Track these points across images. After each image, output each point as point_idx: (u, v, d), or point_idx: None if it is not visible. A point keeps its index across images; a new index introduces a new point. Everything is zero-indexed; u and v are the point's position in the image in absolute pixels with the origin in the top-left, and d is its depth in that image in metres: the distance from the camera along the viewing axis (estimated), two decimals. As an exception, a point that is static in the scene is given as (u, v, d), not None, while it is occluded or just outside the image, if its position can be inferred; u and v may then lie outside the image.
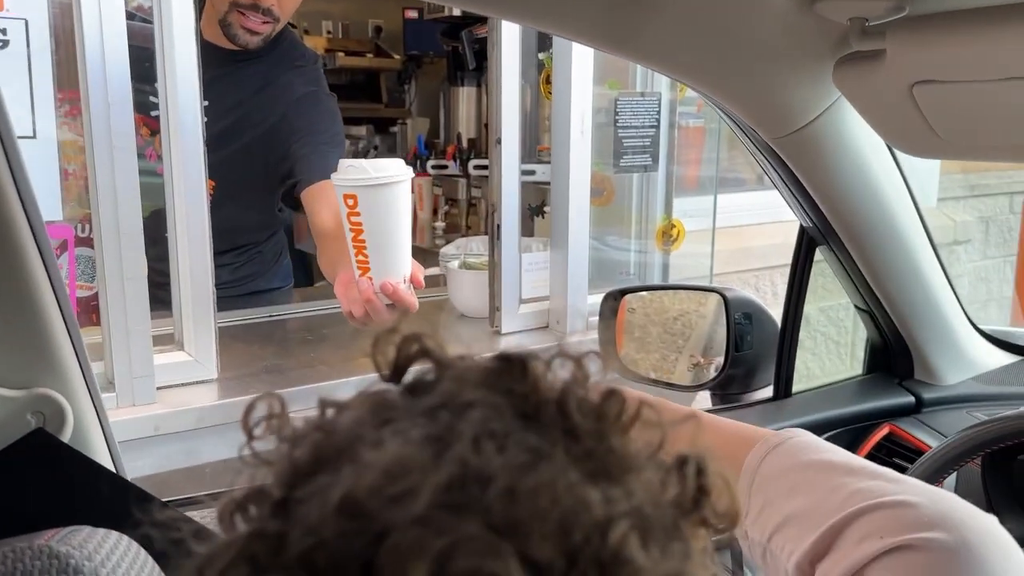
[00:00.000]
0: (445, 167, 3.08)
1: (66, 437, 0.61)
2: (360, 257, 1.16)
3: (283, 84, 1.73)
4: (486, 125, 2.94)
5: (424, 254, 2.93)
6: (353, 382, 1.44)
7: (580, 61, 1.56)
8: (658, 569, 0.29)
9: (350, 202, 1.12)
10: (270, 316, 1.75)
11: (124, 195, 1.20)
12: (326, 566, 0.27)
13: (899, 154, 1.13)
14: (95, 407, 0.64)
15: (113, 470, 0.65)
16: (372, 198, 1.12)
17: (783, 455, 0.63)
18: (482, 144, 3.03)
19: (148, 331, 1.25)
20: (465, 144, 3.02)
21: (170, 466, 1.28)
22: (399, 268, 1.19)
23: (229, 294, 1.66)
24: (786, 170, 1.03)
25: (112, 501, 0.61)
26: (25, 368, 0.59)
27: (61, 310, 0.59)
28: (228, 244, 1.73)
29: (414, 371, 0.35)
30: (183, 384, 1.34)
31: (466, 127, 3.09)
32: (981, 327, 1.41)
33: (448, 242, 3.07)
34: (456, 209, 3.12)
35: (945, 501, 0.52)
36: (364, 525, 0.27)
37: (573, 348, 0.36)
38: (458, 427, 0.30)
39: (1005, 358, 1.41)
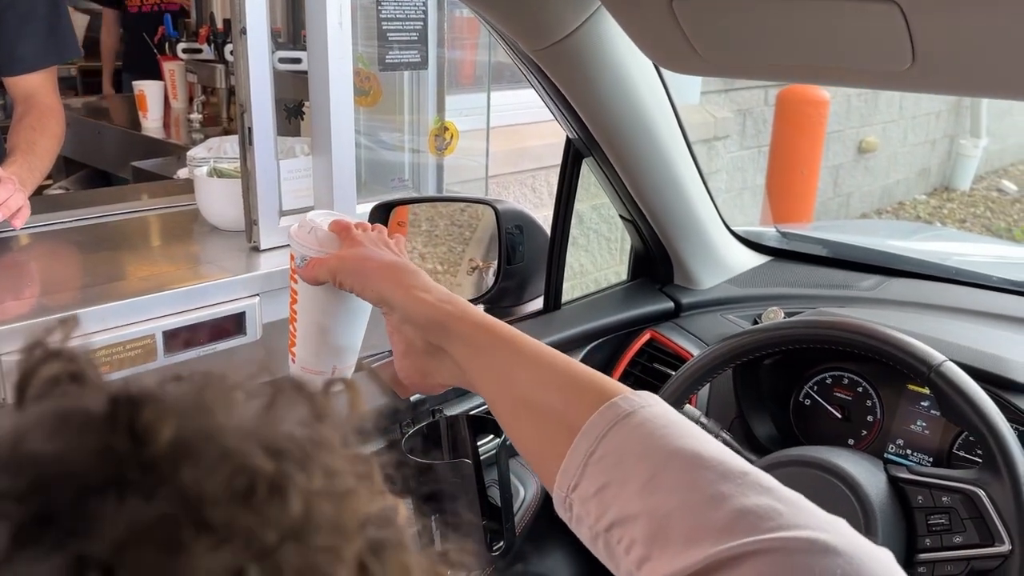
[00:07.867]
0: (199, 51, 2.76)
1: None
2: (291, 328, 0.85)
3: None
4: (242, 7, 2.65)
5: (180, 152, 2.64)
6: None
7: (335, -59, 1.40)
8: None
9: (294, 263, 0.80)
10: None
11: None
12: None
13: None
14: None
15: None
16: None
17: (636, 428, 0.56)
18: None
19: None
20: (220, 26, 2.71)
21: None
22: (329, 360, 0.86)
23: None
24: (549, 82, 0.97)
25: None
26: None
27: None
28: None
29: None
30: None
31: (220, 7, 2.77)
32: (734, 228, 1.48)
33: (207, 139, 2.80)
34: (215, 99, 2.83)
35: (851, 539, 0.46)
36: None
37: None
38: None
39: (756, 259, 1.49)
